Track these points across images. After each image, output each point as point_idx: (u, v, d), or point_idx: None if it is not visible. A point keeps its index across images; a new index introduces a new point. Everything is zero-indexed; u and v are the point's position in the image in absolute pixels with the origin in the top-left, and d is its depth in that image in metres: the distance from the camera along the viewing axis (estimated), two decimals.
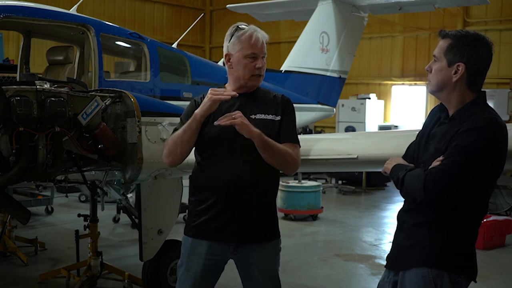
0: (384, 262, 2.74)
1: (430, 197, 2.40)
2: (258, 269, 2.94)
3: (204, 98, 2.89)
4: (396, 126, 15.04)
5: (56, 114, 3.56)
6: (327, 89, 9.51)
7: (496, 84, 13.45)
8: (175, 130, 2.94)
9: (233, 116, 2.69)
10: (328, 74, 9.48)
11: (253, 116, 2.85)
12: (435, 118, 2.65)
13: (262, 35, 2.89)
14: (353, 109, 15.03)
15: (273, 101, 2.96)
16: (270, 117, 2.90)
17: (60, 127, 3.64)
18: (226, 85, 3.01)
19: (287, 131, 2.92)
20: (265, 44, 2.90)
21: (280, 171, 2.96)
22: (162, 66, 6.16)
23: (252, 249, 2.87)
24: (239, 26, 2.90)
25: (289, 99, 3.03)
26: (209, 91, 2.79)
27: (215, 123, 2.74)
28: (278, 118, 2.92)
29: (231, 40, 2.89)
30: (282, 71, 8.98)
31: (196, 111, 2.80)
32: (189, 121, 2.80)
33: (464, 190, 2.39)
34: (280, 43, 17.02)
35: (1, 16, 4.71)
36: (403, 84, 15.75)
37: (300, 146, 2.98)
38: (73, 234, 5.66)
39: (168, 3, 18.71)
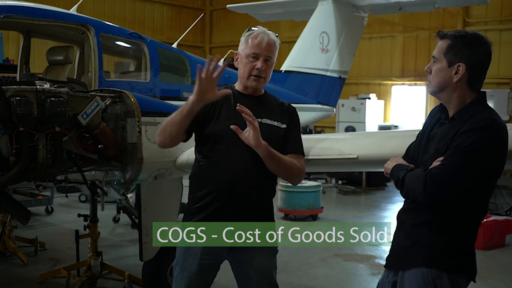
0: (384, 262, 2.74)
1: (431, 197, 2.39)
2: (254, 270, 2.92)
3: None
4: (396, 126, 15.03)
5: (56, 114, 3.56)
6: (327, 89, 9.50)
7: (496, 84, 13.45)
8: None
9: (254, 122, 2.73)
10: (328, 74, 9.47)
11: (259, 120, 2.85)
12: (435, 118, 2.65)
13: (270, 38, 2.89)
14: (353, 109, 15.02)
15: (279, 108, 2.99)
16: (275, 123, 2.92)
17: (60, 127, 3.64)
18: (235, 84, 3.03)
19: (294, 142, 2.95)
20: (272, 48, 2.91)
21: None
22: (162, 66, 6.16)
23: (248, 250, 2.85)
24: (252, 28, 2.96)
25: (295, 109, 3.06)
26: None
27: (237, 108, 2.74)
28: (284, 126, 2.94)
29: (241, 40, 2.95)
30: (282, 71, 8.96)
31: (189, 96, 2.82)
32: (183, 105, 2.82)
33: (464, 190, 2.38)
34: (280, 43, 17.00)
35: (1, 16, 4.71)
36: (403, 84, 15.75)
37: (304, 156, 3.02)
38: (73, 234, 5.66)
39: (168, 3, 18.70)
